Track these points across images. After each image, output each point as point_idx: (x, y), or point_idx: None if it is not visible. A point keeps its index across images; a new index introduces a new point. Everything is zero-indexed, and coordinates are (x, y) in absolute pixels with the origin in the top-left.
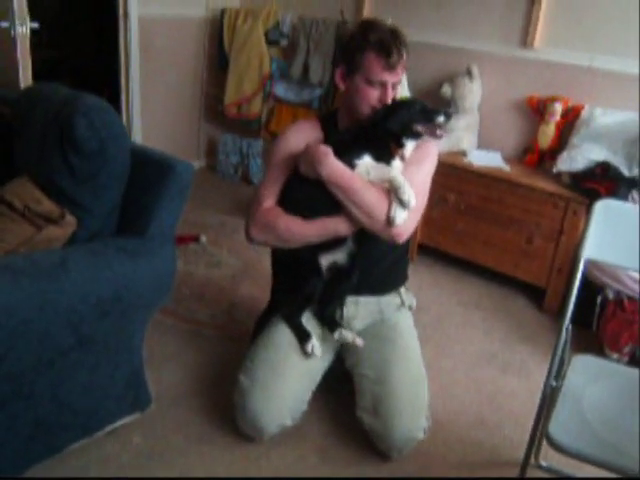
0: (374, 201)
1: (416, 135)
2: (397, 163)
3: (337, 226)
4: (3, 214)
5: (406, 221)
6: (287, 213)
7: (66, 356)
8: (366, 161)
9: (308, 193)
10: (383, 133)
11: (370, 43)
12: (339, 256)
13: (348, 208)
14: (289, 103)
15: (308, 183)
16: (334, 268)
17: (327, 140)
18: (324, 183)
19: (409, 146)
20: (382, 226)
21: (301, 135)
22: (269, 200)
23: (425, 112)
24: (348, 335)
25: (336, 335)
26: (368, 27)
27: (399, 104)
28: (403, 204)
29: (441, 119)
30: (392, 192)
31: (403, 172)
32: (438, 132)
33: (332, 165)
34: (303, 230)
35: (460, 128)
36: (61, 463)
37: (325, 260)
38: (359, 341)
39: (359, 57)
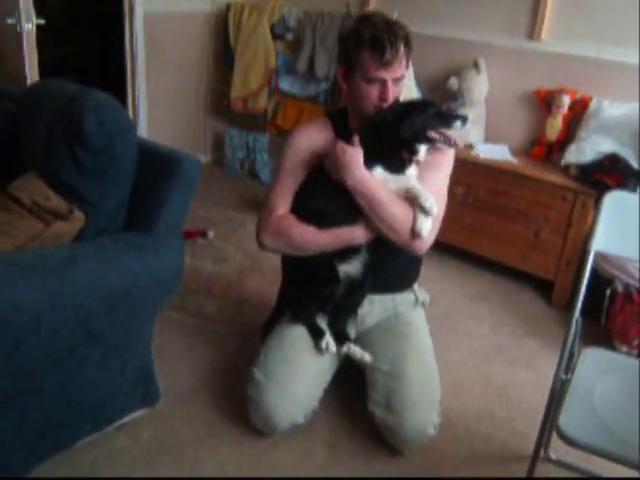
0: (399, 214)
1: (430, 141)
2: (411, 170)
3: (352, 235)
4: (12, 210)
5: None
6: (300, 221)
7: (75, 351)
8: (379, 172)
9: (323, 201)
10: (394, 140)
11: (364, 40)
12: (353, 266)
13: (371, 218)
14: (295, 97)
15: (323, 191)
16: (347, 279)
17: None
18: (347, 189)
19: (422, 150)
20: (405, 239)
21: (312, 138)
22: (281, 207)
23: (440, 117)
24: (357, 351)
25: (344, 349)
26: (362, 23)
27: (411, 107)
28: (425, 211)
29: (458, 125)
30: (414, 202)
31: (421, 179)
32: (453, 140)
33: (358, 175)
34: (317, 239)
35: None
36: (71, 458)
37: (339, 271)
38: (367, 357)
39: (355, 55)
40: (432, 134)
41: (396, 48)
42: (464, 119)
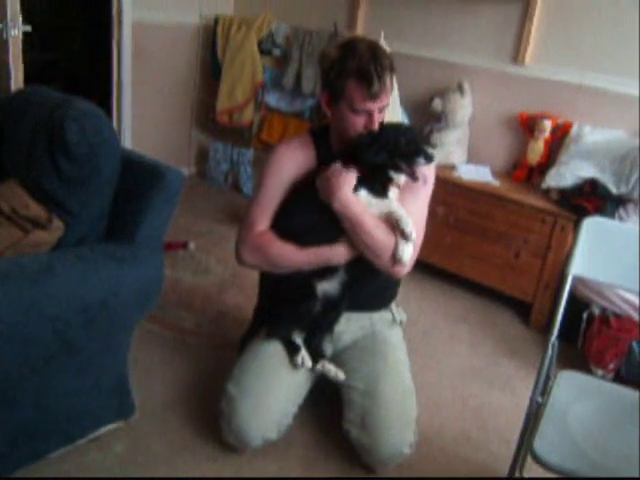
0: (381, 239)
1: (399, 170)
2: (393, 193)
3: (331, 255)
4: None
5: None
6: (280, 238)
7: (50, 362)
8: (363, 196)
9: (303, 220)
10: (372, 166)
11: (350, 72)
12: (331, 285)
13: (355, 241)
14: (281, 113)
15: (304, 210)
16: (325, 297)
17: (318, 160)
18: (329, 210)
19: (397, 176)
20: (386, 264)
21: (293, 155)
22: (261, 224)
23: (408, 149)
24: (331, 369)
25: (319, 366)
26: (347, 52)
27: (386, 134)
28: (405, 236)
29: (421, 162)
30: (395, 227)
31: (399, 202)
32: (416, 175)
33: (344, 199)
34: (296, 257)
35: (450, 142)
36: (42, 470)
37: (317, 288)
38: (341, 375)
39: (340, 86)
40: (401, 164)
41: (383, 80)
42: (428, 157)
